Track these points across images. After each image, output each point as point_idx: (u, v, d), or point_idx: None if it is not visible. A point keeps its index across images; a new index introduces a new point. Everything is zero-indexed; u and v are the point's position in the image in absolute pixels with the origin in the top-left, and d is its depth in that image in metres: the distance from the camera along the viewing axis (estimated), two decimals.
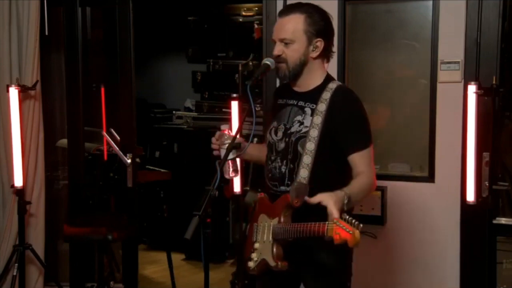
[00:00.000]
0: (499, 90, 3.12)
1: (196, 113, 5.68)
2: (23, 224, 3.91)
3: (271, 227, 2.30)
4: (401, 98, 3.57)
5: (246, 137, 3.71)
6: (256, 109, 2.38)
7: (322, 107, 2.32)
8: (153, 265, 5.02)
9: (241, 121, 2.51)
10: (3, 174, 4.07)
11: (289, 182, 2.35)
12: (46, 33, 4.11)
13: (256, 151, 2.62)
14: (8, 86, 3.84)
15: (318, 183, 2.26)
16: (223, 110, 5.22)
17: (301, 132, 2.34)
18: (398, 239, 3.45)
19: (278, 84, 3.59)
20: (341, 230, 1.98)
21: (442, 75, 3.28)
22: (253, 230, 2.42)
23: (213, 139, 2.43)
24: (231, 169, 2.31)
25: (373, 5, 3.56)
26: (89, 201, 4.29)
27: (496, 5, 3.17)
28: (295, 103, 2.41)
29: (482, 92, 3.10)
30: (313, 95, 2.37)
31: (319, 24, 2.34)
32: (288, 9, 2.37)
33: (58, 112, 4.58)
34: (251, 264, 2.34)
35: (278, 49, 2.34)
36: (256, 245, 2.35)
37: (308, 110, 2.36)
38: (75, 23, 4.15)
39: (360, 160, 2.33)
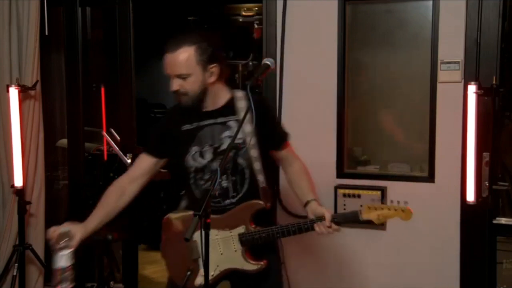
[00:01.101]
0: (499, 90, 3.13)
1: None
2: (23, 224, 3.91)
3: (234, 237, 2.37)
4: (401, 98, 3.57)
5: None
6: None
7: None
8: (153, 265, 5.01)
9: (241, 121, 2.50)
10: (3, 174, 4.07)
11: (234, 194, 2.41)
12: (46, 33, 4.11)
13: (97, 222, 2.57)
14: (8, 86, 3.84)
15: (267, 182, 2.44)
16: None
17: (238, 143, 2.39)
18: (398, 239, 3.45)
19: (278, 85, 3.61)
20: (380, 211, 2.33)
21: (442, 75, 3.28)
22: (184, 248, 2.42)
23: (52, 233, 2.37)
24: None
25: (373, 5, 3.56)
26: (89, 201, 4.29)
27: (496, 5, 3.17)
28: (214, 122, 2.43)
29: (482, 92, 3.10)
30: (229, 109, 2.43)
31: (208, 51, 2.36)
32: (176, 44, 2.36)
33: (58, 112, 4.58)
34: (201, 280, 2.33)
35: (175, 84, 2.36)
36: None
37: (232, 123, 2.41)
38: (75, 23, 4.15)
39: (289, 153, 2.55)
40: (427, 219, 3.37)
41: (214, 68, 2.38)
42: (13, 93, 3.81)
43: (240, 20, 5.59)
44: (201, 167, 2.43)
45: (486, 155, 3.17)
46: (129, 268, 4.23)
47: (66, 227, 2.38)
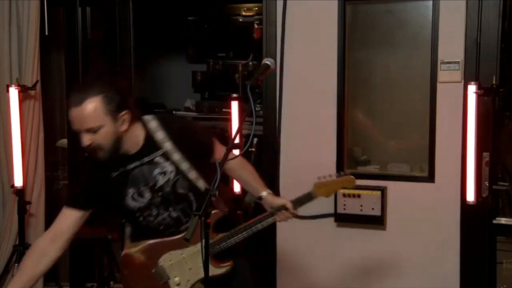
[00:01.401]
0: (499, 90, 3.13)
1: (196, 113, 5.67)
2: (23, 224, 3.91)
3: (199, 250, 2.29)
4: (401, 98, 3.57)
5: (246, 137, 3.73)
6: (256, 109, 2.39)
7: (168, 146, 2.34)
8: None
9: (241, 121, 2.51)
10: (3, 174, 4.07)
11: (187, 219, 2.41)
12: (46, 33, 4.11)
13: None
14: (8, 86, 3.84)
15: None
16: (223, 110, 5.21)
17: (171, 179, 2.36)
18: (398, 239, 3.45)
19: (278, 85, 3.61)
20: (328, 187, 2.43)
21: (442, 75, 3.28)
22: (152, 277, 2.42)
23: None
24: None
25: (373, 5, 3.56)
26: None
27: (496, 5, 3.17)
28: (140, 163, 2.36)
29: (482, 92, 3.10)
30: (150, 146, 2.35)
31: (116, 99, 2.21)
32: (81, 97, 2.18)
33: (58, 112, 4.58)
34: None
35: (86, 139, 2.21)
36: (176, 280, 2.42)
37: (159, 159, 2.36)
38: (75, 23, 4.15)
39: (221, 153, 2.42)
40: (427, 219, 3.37)
41: (125, 116, 2.24)
42: (13, 93, 3.81)
43: (240, 20, 5.57)
44: (144, 206, 2.40)
45: (486, 155, 3.17)
46: None
47: None
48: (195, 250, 2.39)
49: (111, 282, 3.97)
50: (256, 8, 5.34)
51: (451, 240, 3.33)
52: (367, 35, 3.58)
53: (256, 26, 5.08)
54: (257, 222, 2.42)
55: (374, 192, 3.41)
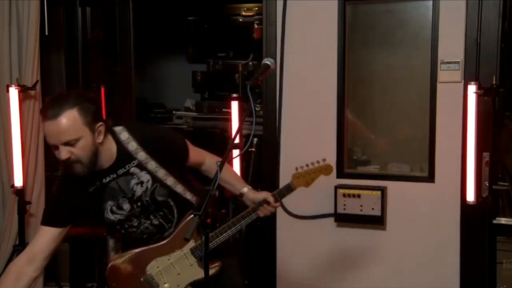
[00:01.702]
0: (499, 90, 3.12)
1: (196, 113, 5.67)
2: (23, 224, 3.91)
3: (186, 254, 2.40)
4: (401, 98, 3.57)
5: (246, 137, 3.73)
6: (256, 109, 2.39)
7: (142, 155, 2.34)
8: None
9: (241, 121, 2.51)
10: (3, 174, 4.07)
11: (169, 225, 2.43)
12: (46, 33, 4.11)
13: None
14: (8, 86, 3.84)
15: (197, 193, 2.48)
16: (223, 110, 5.21)
17: (149, 188, 2.37)
18: (398, 239, 3.45)
19: (278, 85, 3.61)
20: (307, 177, 2.47)
21: (442, 75, 3.28)
22: (141, 285, 2.43)
23: None
24: None
25: (373, 5, 3.56)
26: None
27: (496, 5, 3.17)
28: (116, 175, 2.35)
29: (482, 92, 3.10)
30: (122, 158, 2.34)
31: (91, 109, 2.21)
32: (56, 110, 2.15)
33: None
34: None
35: (64, 153, 2.17)
36: (166, 286, 2.42)
37: (134, 170, 2.35)
38: (75, 23, 4.15)
39: (195, 155, 2.53)
40: (427, 219, 3.37)
41: (101, 127, 2.24)
42: (13, 93, 3.81)
43: (240, 20, 5.57)
44: (124, 218, 2.40)
45: (486, 155, 3.17)
46: None
47: None
48: (181, 255, 2.41)
49: None
50: (256, 8, 5.33)
51: (451, 240, 3.33)
52: (367, 35, 3.58)
53: (256, 26, 5.07)
54: (240, 219, 2.43)
55: (374, 192, 3.41)
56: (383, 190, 3.40)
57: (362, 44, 3.58)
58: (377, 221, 3.42)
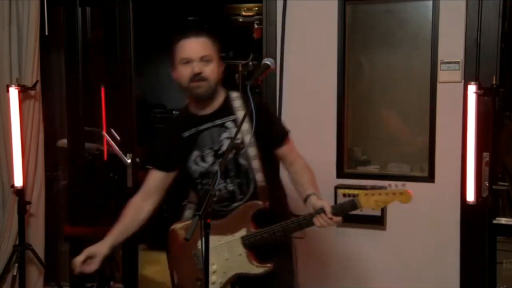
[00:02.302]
0: (499, 90, 3.12)
1: None
2: (23, 224, 3.91)
3: (237, 241, 2.36)
4: (401, 98, 3.57)
5: None
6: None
7: (241, 114, 2.39)
8: (153, 265, 5.01)
9: (241, 121, 2.51)
10: (3, 174, 4.07)
11: (241, 196, 2.42)
12: (46, 33, 4.11)
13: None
14: (8, 86, 3.84)
15: (267, 180, 2.42)
16: None
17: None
18: (398, 239, 3.45)
19: (278, 85, 3.61)
20: (377, 197, 2.26)
21: (442, 75, 3.28)
22: (191, 258, 2.43)
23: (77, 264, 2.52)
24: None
25: (373, 5, 3.56)
26: (89, 201, 4.29)
27: (496, 5, 3.17)
28: (212, 125, 2.43)
29: (482, 92, 3.10)
30: (225, 109, 2.44)
31: (219, 50, 2.47)
32: (197, 33, 2.44)
33: (58, 112, 4.58)
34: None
35: (198, 67, 2.37)
36: (213, 268, 2.38)
37: (229, 124, 2.42)
38: (75, 23, 4.15)
39: (289, 151, 2.52)
40: (427, 219, 3.37)
41: (222, 65, 2.47)
42: (13, 93, 3.81)
43: (240, 20, 5.58)
44: (204, 171, 2.44)
45: (486, 155, 3.17)
46: (129, 268, 4.22)
47: (86, 253, 2.50)
48: (231, 240, 2.36)
49: (111, 282, 3.97)
50: (256, 8, 5.34)
51: (451, 240, 3.33)
52: (367, 35, 3.58)
53: (256, 26, 5.09)
54: (294, 221, 2.34)
55: None
56: None
57: (362, 44, 3.59)
58: (377, 221, 3.42)
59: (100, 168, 4.43)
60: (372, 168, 3.57)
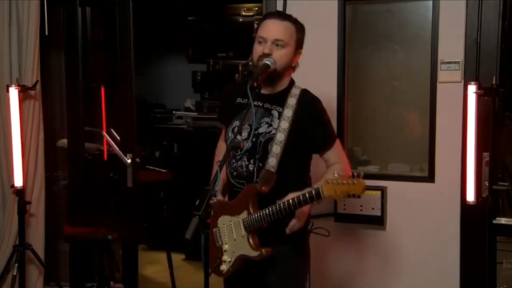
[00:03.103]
0: (499, 90, 3.12)
1: (196, 113, 5.68)
2: (23, 224, 3.91)
3: (240, 222, 2.39)
4: (401, 98, 3.57)
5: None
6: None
7: (288, 112, 2.44)
8: (153, 265, 5.02)
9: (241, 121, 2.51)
10: (3, 174, 4.07)
11: (257, 180, 2.42)
12: (46, 33, 4.11)
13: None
14: (8, 86, 3.84)
15: (284, 178, 2.41)
16: None
17: (271, 133, 2.43)
18: (398, 239, 3.45)
19: None
20: (337, 186, 2.21)
21: (442, 75, 3.28)
22: (213, 236, 2.47)
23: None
24: None
25: (373, 5, 3.56)
26: (89, 201, 4.30)
27: (496, 5, 3.17)
28: (261, 105, 2.48)
29: (482, 92, 3.10)
30: (279, 98, 2.48)
31: (302, 38, 2.53)
32: (283, 16, 2.50)
33: (58, 112, 4.58)
34: (223, 267, 2.42)
35: (269, 48, 2.41)
36: (226, 247, 2.43)
37: (275, 113, 2.46)
38: (75, 23, 4.15)
39: (331, 156, 2.53)
40: (427, 219, 3.37)
41: (298, 55, 2.50)
42: (13, 93, 3.81)
43: (240, 20, 5.59)
44: (236, 144, 2.45)
45: (486, 155, 3.17)
46: (129, 268, 4.23)
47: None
48: (237, 220, 2.40)
49: (111, 282, 3.98)
50: (256, 8, 5.35)
51: (451, 240, 3.32)
52: (367, 35, 3.58)
53: (256, 26, 5.08)
54: (280, 205, 2.32)
55: (374, 192, 3.41)
56: (383, 190, 3.40)
57: (362, 44, 3.58)
58: (377, 221, 3.42)
59: (100, 168, 4.42)
60: (372, 168, 3.56)
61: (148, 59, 6.08)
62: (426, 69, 3.34)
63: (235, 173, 2.49)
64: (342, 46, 3.47)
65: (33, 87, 3.96)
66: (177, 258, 4.99)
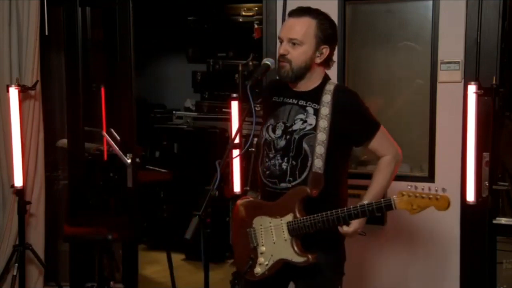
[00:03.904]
0: (499, 90, 3.13)
1: (196, 113, 5.69)
2: (23, 224, 3.91)
3: (284, 225, 2.31)
4: (401, 98, 3.57)
5: (246, 137, 3.73)
6: (256, 109, 2.39)
7: (325, 110, 2.36)
8: (153, 265, 5.02)
9: (241, 121, 2.51)
10: (3, 174, 4.07)
11: (291, 179, 2.37)
12: (46, 33, 4.11)
13: None
14: (8, 86, 3.84)
15: (328, 172, 2.35)
16: (223, 110, 5.23)
17: (305, 129, 2.37)
18: (398, 239, 3.45)
19: None
20: (414, 200, 2.13)
21: (442, 75, 3.28)
22: (247, 235, 2.40)
23: None
24: None
25: (373, 5, 3.56)
26: (89, 201, 4.29)
27: (496, 5, 3.17)
28: (295, 102, 2.44)
29: (482, 92, 3.10)
30: (313, 95, 2.42)
31: (328, 31, 2.39)
32: (301, 12, 2.40)
33: (58, 112, 4.58)
34: (258, 269, 2.34)
35: (284, 48, 2.36)
36: (262, 249, 2.35)
37: (310, 110, 2.40)
38: (75, 23, 4.15)
39: (378, 145, 2.46)
40: (427, 219, 3.37)
41: (325, 50, 2.39)
42: (13, 93, 3.81)
43: (240, 20, 5.59)
44: (269, 141, 2.44)
45: (486, 155, 3.17)
46: (129, 268, 4.23)
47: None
48: (279, 223, 2.32)
49: (111, 282, 3.97)
50: (256, 8, 5.34)
51: (451, 240, 3.33)
52: (367, 35, 3.58)
53: (256, 26, 5.08)
54: (333, 214, 2.28)
55: None
56: None
57: (362, 44, 3.58)
58: (377, 221, 3.42)
59: (100, 168, 4.42)
60: (372, 168, 3.54)
61: (148, 59, 6.08)
62: (426, 69, 3.34)
63: (267, 172, 2.43)
64: (342, 46, 3.47)
65: (33, 87, 3.96)
66: (177, 258, 4.99)
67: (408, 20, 3.48)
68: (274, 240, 2.33)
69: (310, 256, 2.26)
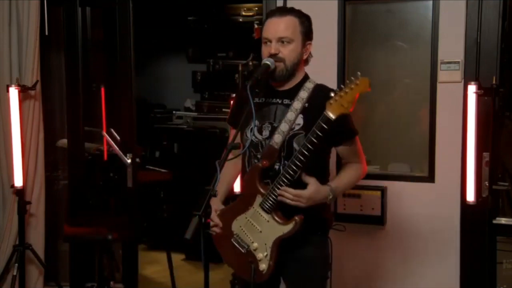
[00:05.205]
0: (499, 90, 3.13)
1: (196, 113, 5.69)
2: (23, 224, 3.91)
3: (258, 210, 2.33)
4: (401, 98, 3.57)
5: None
6: (256, 109, 2.38)
7: (297, 104, 2.39)
8: (153, 265, 5.02)
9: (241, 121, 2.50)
10: (3, 174, 4.07)
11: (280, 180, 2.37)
12: (46, 33, 4.11)
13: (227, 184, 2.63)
14: (8, 86, 3.84)
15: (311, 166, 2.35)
16: (223, 110, 5.23)
17: (294, 130, 2.38)
18: (398, 239, 3.45)
19: None
20: (340, 100, 2.19)
21: (442, 75, 3.28)
22: (235, 246, 2.39)
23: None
24: None
25: (373, 5, 3.56)
26: (89, 201, 4.30)
27: (496, 5, 3.17)
28: (280, 102, 2.45)
29: (482, 92, 3.10)
30: (295, 92, 2.43)
31: (309, 28, 2.46)
32: (283, 11, 2.45)
33: (58, 112, 4.58)
34: (263, 265, 2.33)
35: (275, 47, 2.38)
36: (254, 245, 2.35)
37: (297, 105, 2.41)
38: (75, 23, 4.15)
39: (349, 151, 2.47)
40: (427, 219, 3.37)
41: (309, 45, 2.45)
42: (13, 93, 3.81)
43: (240, 20, 5.59)
44: (256, 143, 2.43)
45: (486, 155, 3.17)
46: (129, 268, 4.23)
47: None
48: (254, 211, 2.34)
49: (111, 282, 3.98)
50: (256, 8, 5.35)
51: (451, 240, 3.33)
52: (367, 35, 3.58)
53: (256, 26, 5.08)
54: (290, 160, 2.29)
55: (374, 192, 3.41)
56: (383, 190, 3.40)
57: (362, 44, 3.58)
58: (377, 221, 3.42)
59: (100, 168, 4.43)
60: (372, 168, 3.56)
61: (148, 59, 6.08)
62: (426, 69, 3.34)
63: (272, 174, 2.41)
64: (342, 46, 3.47)
65: (33, 87, 3.96)
66: (177, 258, 4.99)
67: (408, 20, 3.48)
68: (259, 230, 2.34)
69: (296, 218, 2.27)
